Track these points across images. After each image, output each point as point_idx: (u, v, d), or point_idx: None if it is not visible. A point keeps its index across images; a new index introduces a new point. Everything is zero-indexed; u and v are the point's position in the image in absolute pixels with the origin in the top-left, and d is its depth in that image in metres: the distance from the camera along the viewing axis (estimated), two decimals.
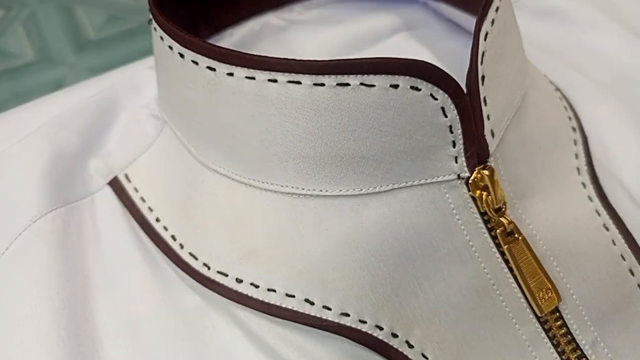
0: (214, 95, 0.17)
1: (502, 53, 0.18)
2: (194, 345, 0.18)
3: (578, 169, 0.21)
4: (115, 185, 0.21)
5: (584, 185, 0.20)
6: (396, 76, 0.16)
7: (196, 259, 0.19)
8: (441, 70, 0.16)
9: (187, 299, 0.19)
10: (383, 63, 0.16)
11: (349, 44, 0.26)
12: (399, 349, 0.17)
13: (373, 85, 0.16)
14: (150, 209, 0.20)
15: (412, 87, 0.16)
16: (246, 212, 0.18)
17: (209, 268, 0.18)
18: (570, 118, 0.22)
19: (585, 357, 0.18)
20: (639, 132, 0.24)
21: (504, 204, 0.18)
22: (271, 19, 0.26)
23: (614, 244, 0.19)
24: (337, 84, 0.16)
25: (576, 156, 0.21)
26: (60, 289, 0.18)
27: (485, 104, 0.17)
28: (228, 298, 0.18)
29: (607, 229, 0.20)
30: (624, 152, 0.23)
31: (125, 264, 0.19)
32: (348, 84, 0.16)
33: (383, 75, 0.16)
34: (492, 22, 0.18)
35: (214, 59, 0.17)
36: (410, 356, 0.17)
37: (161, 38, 0.19)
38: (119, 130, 0.22)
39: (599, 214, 0.20)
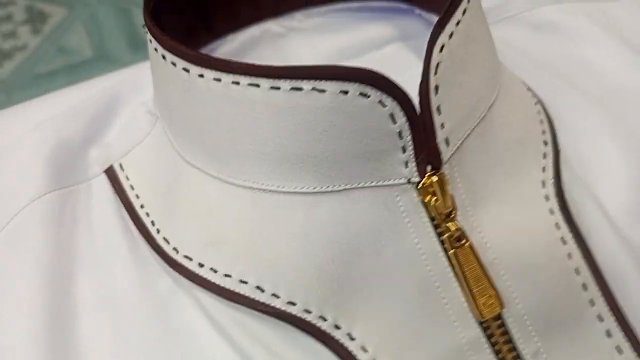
0: (188, 95, 0.19)
1: (464, 64, 0.19)
2: (162, 323, 0.20)
3: (543, 181, 0.21)
4: (110, 173, 0.23)
5: (547, 198, 0.21)
6: (346, 83, 0.17)
7: (168, 243, 0.20)
8: (389, 79, 0.17)
9: (160, 281, 0.20)
10: (334, 70, 0.17)
11: (343, 53, 0.27)
12: (341, 340, 0.18)
13: (324, 91, 0.17)
14: (137, 196, 0.22)
15: (361, 94, 0.17)
16: (215, 204, 0.20)
17: (177, 252, 0.20)
18: (544, 132, 0.22)
19: None
20: (623, 147, 0.24)
21: (454, 210, 0.19)
22: (271, 26, 0.28)
23: (570, 258, 0.20)
24: (292, 88, 0.17)
25: (543, 169, 0.21)
26: (48, 265, 0.20)
27: (439, 113, 0.18)
28: (191, 280, 0.20)
29: (565, 243, 0.20)
30: (605, 167, 0.23)
31: (111, 245, 0.21)
32: (301, 89, 0.17)
33: (334, 82, 0.17)
34: (451, 35, 0.18)
35: (188, 61, 0.18)
36: (350, 348, 0.18)
37: (150, 41, 0.20)
38: (119, 124, 0.24)
39: (558, 227, 0.20)
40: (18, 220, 0.21)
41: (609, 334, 0.19)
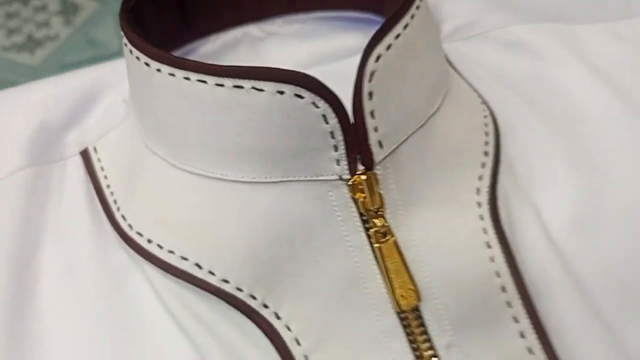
0: (149, 87, 0.21)
1: (402, 75, 0.20)
2: (113, 293, 0.22)
3: (478, 189, 0.22)
4: (85, 155, 0.25)
5: (479, 204, 0.22)
6: (283, 84, 0.18)
7: (125, 220, 0.22)
8: (322, 83, 0.19)
9: (116, 255, 0.22)
10: (273, 72, 0.18)
11: (317, 58, 0.29)
12: (268, 318, 0.20)
13: (263, 90, 0.19)
14: (106, 177, 0.24)
15: (296, 95, 0.19)
16: (168, 187, 0.22)
17: (131, 228, 0.22)
18: (486, 143, 0.24)
19: (438, 357, 0.20)
20: (574, 166, 0.25)
21: (382, 207, 0.20)
22: (252, 29, 0.30)
23: (492, 261, 0.21)
24: (234, 86, 0.19)
25: (480, 178, 0.23)
26: (17, 234, 0.22)
27: (373, 118, 0.20)
28: (140, 255, 0.22)
29: (490, 247, 0.21)
30: (551, 181, 0.24)
31: (77, 220, 0.23)
32: (242, 87, 0.19)
33: (271, 82, 0.18)
34: (388, 46, 0.20)
35: (148, 56, 0.20)
36: (275, 326, 0.20)
37: (122, 36, 0.23)
38: (99, 111, 0.26)
39: (485, 232, 0.21)
40: None
41: (522, 335, 0.21)
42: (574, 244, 0.23)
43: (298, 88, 0.18)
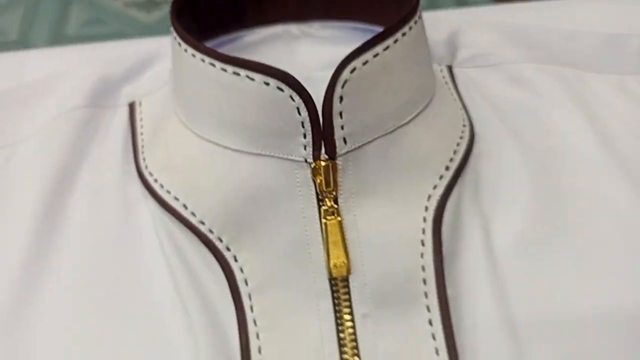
0: (180, 63, 0.26)
1: (374, 87, 0.24)
2: (123, 216, 0.27)
3: (430, 196, 0.26)
4: (132, 106, 0.31)
5: (426, 208, 0.26)
6: (269, 77, 0.23)
7: (144, 161, 0.28)
8: (298, 82, 0.23)
9: (133, 188, 0.28)
10: (263, 66, 0.23)
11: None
12: (227, 259, 0.25)
13: (254, 80, 0.23)
14: (142, 127, 0.30)
15: (278, 88, 0.23)
16: (179, 143, 0.27)
17: (146, 168, 0.28)
18: (451, 159, 0.27)
19: (354, 321, 0.24)
20: (535, 199, 0.28)
21: (336, 191, 0.24)
22: (292, 28, 0.35)
23: (422, 257, 0.25)
24: (233, 72, 0.24)
25: (434, 187, 0.26)
26: (64, 160, 0.28)
27: (341, 118, 0.24)
28: (148, 190, 0.27)
29: (423, 245, 0.25)
30: (508, 206, 0.27)
31: (113, 156, 0.29)
32: (239, 74, 0.24)
33: (261, 74, 0.23)
34: (365, 62, 0.24)
35: (181, 39, 0.26)
36: (232, 266, 0.25)
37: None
38: (150, 75, 0.32)
39: (423, 232, 0.25)
40: (56, 122, 0.30)
41: (430, 322, 0.24)
42: (512, 263, 0.26)
43: (280, 82, 0.23)
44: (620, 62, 0.33)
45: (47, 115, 0.30)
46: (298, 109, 0.23)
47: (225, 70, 0.24)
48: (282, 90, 0.23)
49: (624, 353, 0.24)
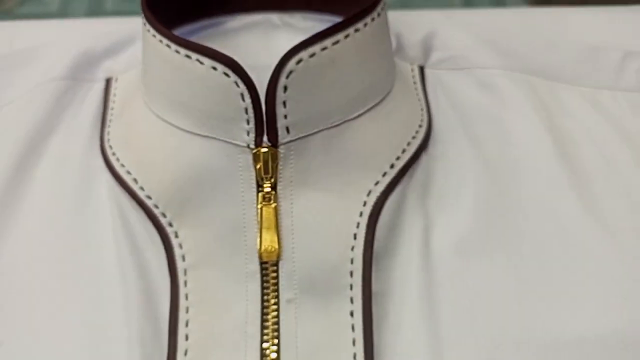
0: (145, 43, 0.28)
1: (320, 80, 0.25)
2: (82, 185, 0.29)
3: (370, 191, 0.26)
4: (108, 82, 0.33)
5: (364, 203, 0.26)
6: (217, 62, 0.24)
7: (108, 135, 0.30)
8: (243, 70, 0.24)
9: (96, 160, 0.29)
10: (211, 51, 0.24)
11: None
12: (169, 234, 0.26)
13: (203, 63, 0.24)
14: (113, 102, 0.31)
15: (224, 73, 0.24)
16: (138, 120, 0.28)
17: (108, 141, 0.29)
18: (398, 158, 0.27)
19: (279, 305, 0.25)
20: (481, 203, 0.28)
21: (274, 178, 0.25)
22: (274, 17, 0.35)
23: (352, 250, 0.25)
24: (185, 55, 0.25)
25: (376, 183, 0.27)
26: (35, 128, 0.30)
27: (285, 107, 0.25)
28: (105, 163, 0.29)
29: (355, 239, 0.26)
30: (453, 209, 0.28)
31: (82, 128, 0.31)
32: (190, 57, 0.25)
33: (209, 59, 0.24)
34: (312, 55, 0.24)
35: (149, 24, 0.27)
36: (172, 242, 0.26)
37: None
38: (130, 52, 0.34)
39: (357, 226, 0.26)
40: (34, 91, 0.32)
41: (351, 314, 0.25)
42: (447, 266, 0.26)
43: (226, 68, 0.24)
44: (597, 76, 0.33)
45: (29, 84, 0.32)
46: (242, 95, 0.24)
47: (178, 52, 0.25)
48: (228, 75, 0.24)
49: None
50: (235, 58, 0.24)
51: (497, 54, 0.33)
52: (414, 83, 0.32)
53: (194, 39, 0.34)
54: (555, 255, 0.27)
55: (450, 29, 0.34)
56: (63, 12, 1.16)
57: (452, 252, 0.27)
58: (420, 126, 0.29)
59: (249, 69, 0.24)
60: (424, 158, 0.29)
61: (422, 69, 0.33)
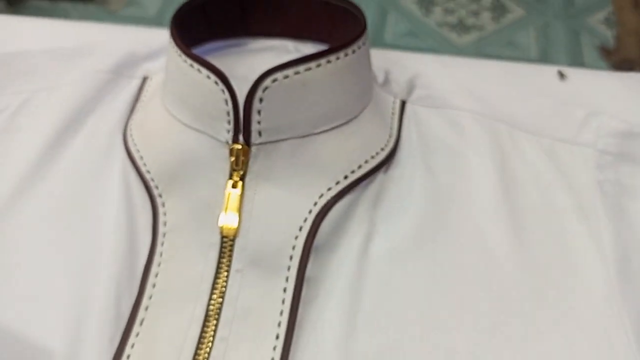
0: (168, 54, 0.34)
1: (291, 98, 0.30)
2: (102, 159, 0.36)
3: (322, 195, 0.31)
4: (144, 81, 0.40)
5: (315, 203, 0.31)
6: (211, 73, 0.30)
7: (130, 124, 0.37)
8: (228, 80, 0.30)
9: (119, 138, 0.37)
10: (209, 65, 0.30)
11: None
12: (157, 203, 0.32)
13: (201, 72, 0.31)
14: (144, 96, 0.39)
15: (215, 82, 0.30)
16: (153, 113, 0.35)
17: (130, 129, 0.36)
18: (352, 172, 0.32)
19: (229, 272, 0.30)
20: (424, 220, 0.33)
21: (243, 170, 0.31)
22: (289, 44, 0.42)
23: (295, 239, 0.30)
24: (190, 65, 0.31)
25: (328, 189, 0.32)
26: (75, 109, 0.37)
27: (259, 115, 0.30)
28: (124, 143, 0.36)
29: (300, 230, 0.31)
30: (397, 219, 0.33)
31: (114, 114, 0.38)
32: (193, 66, 0.31)
33: (206, 70, 0.31)
34: (286, 77, 0.30)
35: (171, 37, 0.33)
36: (159, 210, 0.32)
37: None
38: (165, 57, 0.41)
39: (304, 221, 0.31)
40: (83, 79, 0.39)
41: (284, 290, 0.30)
42: (377, 268, 0.31)
43: (217, 78, 0.30)
44: (559, 129, 0.36)
45: (80, 72, 0.40)
46: (226, 100, 0.30)
47: (186, 61, 0.32)
48: (217, 84, 0.30)
49: None
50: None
51: (471, 99, 0.38)
52: (392, 114, 0.37)
53: (219, 54, 0.41)
54: (473, 272, 0.31)
55: (436, 72, 0.39)
56: (160, 16, 1.29)
57: (385, 257, 0.31)
58: (382, 149, 0.34)
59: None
60: (382, 177, 0.34)
61: (403, 103, 0.38)
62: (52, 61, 0.41)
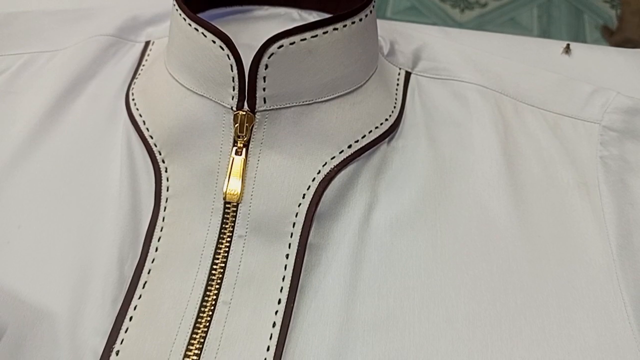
0: (171, 16, 0.34)
1: (297, 65, 0.30)
2: (107, 121, 0.36)
3: (325, 163, 0.32)
4: (146, 45, 0.40)
5: (318, 171, 0.31)
6: (216, 37, 0.30)
7: (132, 88, 0.37)
8: (234, 46, 0.30)
9: (121, 102, 0.36)
10: (214, 28, 0.30)
11: None
12: (160, 168, 0.33)
13: (206, 36, 0.30)
14: (146, 60, 0.38)
15: (220, 47, 0.30)
16: (157, 75, 0.35)
17: (132, 90, 0.36)
18: (357, 141, 0.32)
19: (232, 238, 0.31)
20: (425, 192, 0.33)
21: (247, 137, 0.31)
22: (294, 12, 0.41)
23: (298, 206, 0.31)
24: (195, 28, 0.31)
25: (332, 157, 0.32)
26: (80, 69, 0.38)
27: (264, 81, 0.30)
28: (126, 106, 0.36)
29: (304, 197, 0.31)
30: (399, 192, 0.33)
31: (117, 78, 0.38)
32: (197, 30, 0.31)
33: (211, 34, 0.30)
34: (292, 43, 0.30)
35: (176, 2, 0.33)
36: (162, 174, 0.32)
37: None
38: (168, 22, 0.40)
39: (307, 189, 0.31)
40: (86, 42, 0.39)
41: (287, 256, 0.30)
42: (378, 235, 0.31)
43: (222, 43, 0.30)
44: (564, 104, 0.36)
45: (84, 35, 0.40)
46: (231, 66, 0.30)
47: (190, 25, 0.31)
48: (222, 49, 0.30)
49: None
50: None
51: (476, 71, 0.37)
52: (397, 84, 0.37)
53: (224, 20, 0.40)
54: (474, 243, 0.31)
55: (441, 44, 0.39)
56: None
57: (386, 226, 0.32)
58: (386, 120, 0.34)
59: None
60: (385, 148, 0.34)
61: (408, 74, 0.38)
62: (54, 23, 0.41)
